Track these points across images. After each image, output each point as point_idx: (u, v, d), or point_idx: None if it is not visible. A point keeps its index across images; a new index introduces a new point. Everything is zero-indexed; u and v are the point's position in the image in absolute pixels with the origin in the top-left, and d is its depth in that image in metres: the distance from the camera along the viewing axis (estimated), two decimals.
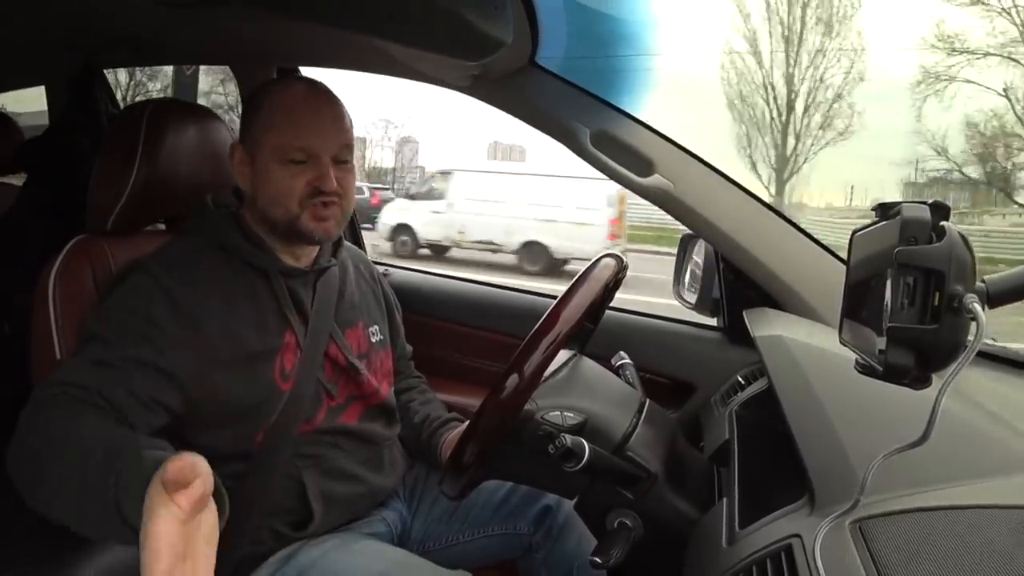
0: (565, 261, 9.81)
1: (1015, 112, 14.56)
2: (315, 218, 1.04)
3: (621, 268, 1.00)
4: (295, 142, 1.02)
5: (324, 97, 1.07)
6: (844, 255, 0.69)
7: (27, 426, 0.84)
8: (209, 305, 0.99)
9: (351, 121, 1.10)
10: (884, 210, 0.58)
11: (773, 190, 17.52)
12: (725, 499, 0.87)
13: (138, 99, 2.11)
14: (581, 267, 0.96)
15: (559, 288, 0.94)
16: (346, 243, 1.25)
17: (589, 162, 1.34)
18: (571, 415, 0.92)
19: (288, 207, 1.03)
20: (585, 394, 0.97)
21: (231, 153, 1.08)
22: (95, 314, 0.98)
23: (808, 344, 0.99)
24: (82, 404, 0.86)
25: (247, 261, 1.05)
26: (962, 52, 14.89)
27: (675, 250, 1.60)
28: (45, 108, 2.12)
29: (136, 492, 0.69)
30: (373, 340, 1.21)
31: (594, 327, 1.11)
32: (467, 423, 0.85)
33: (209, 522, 0.67)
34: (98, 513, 0.74)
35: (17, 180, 2.34)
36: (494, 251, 10.35)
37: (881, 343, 0.54)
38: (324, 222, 1.05)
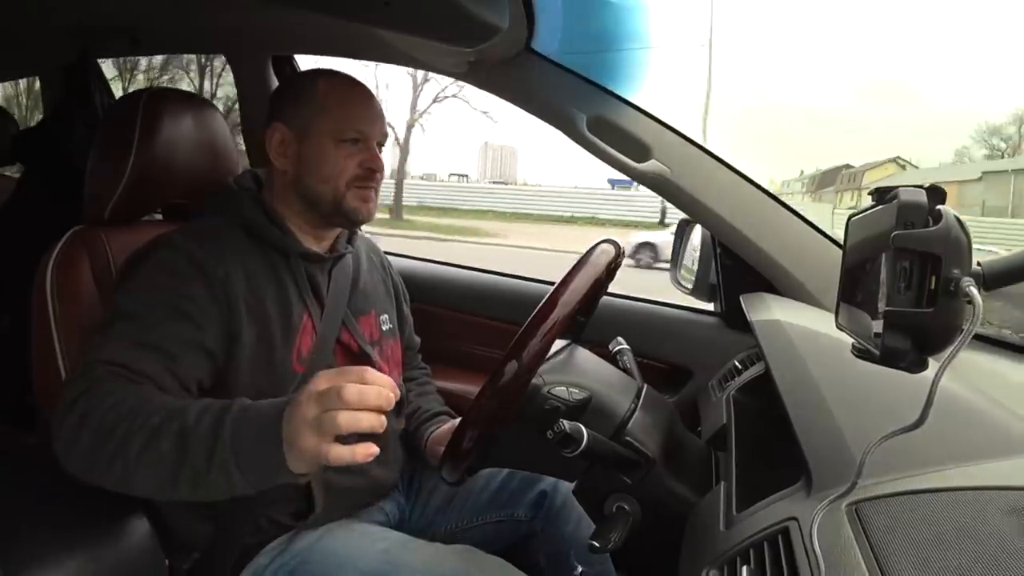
0: None
1: None
2: (360, 199, 1.09)
3: (618, 254, 1.00)
4: (353, 124, 1.07)
5: (367, 88, 1.12)
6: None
7: (84, 404, 0.81)
8: (236, 280, 0.99)
9: None
10: (881, 194, 0.58)
11: None
12: (723, 483, 0.87)
13: None
14: None
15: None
16: (359, 232, 1.26)
17: (585, 148, 1.34)
18: (576, 391, 0.92)
19: (337, 185, 1.07)
20: (586, 375, 0.98)
21: (270, 135, 1.09)
22: (123, 291, 0.96)
23: (805, 328, 0.99)
24: (130, 382, 0.85)
25: (268, 242, 1.06)
26: None
27: None
28: None
29: (252, 436, 0.76)
30: (384, 329, 1.22)
31: (586, 320, 1.11)
32: (470, 406, 0.85)
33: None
34: (198, 471, 0.76)
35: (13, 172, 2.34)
36: None
37: (877, 327, 0.54)
38: (367, 203, 1.10)
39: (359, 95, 1.10)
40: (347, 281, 1.16)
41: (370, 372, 0.73)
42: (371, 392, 0.71)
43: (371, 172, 1.08)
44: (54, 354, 1.03)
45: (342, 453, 0.71)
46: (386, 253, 1.40)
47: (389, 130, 1.18)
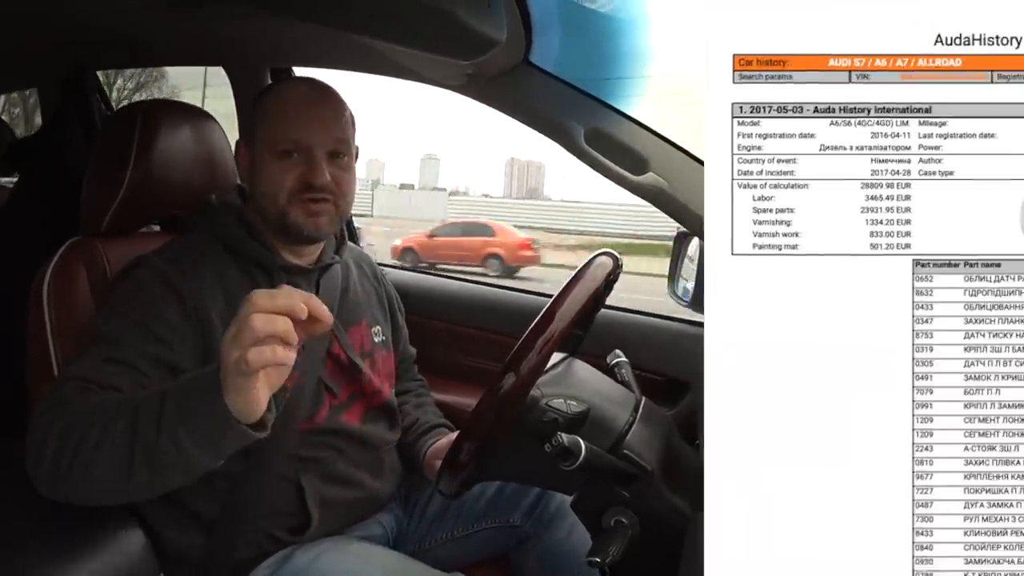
0: None
1: None
2: (305, 212, 1.04)
3: (617, 266, 1.00)
4: (286, 134, 1.02)
5: (320, 93, 1.07)
6: None
7: (49, 416, 0.81)
8: (213, 300, 0.98)
9: (352, 118, 1.10)
10: None
11: None
12: None
13: None
14: None
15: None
16: (349, 243, 1.25)
17: (583, 160, 1.33)
18: (574, 403, 0.92)
19: (277, 201, 1.03)
20: (583, 387, 0.98)
21: (236, 151, 1.09)
22: (101, 312, 0.97)
23: None
24: (97, 395, 0.85)
25: (248, 256, 1.05)
26: None
27: None
28: None
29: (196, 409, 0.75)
30: (376, 340, 1.21)
31: (583, 334, 1.10)
32: (467, 419, 0.85)
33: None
34: (156, 456, 0.76)
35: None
36: None
37: None
38: (315, 217, 1.04)
39: (302, 102, 1.05)
40: (336, 290, 1.15)
41: (281, 287, 0.73)
42: (280, 296, 0.70)
43: (311, 187, 1.03)
44: (50, 365, 1.03)
45: (262, 351, 0.68)
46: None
47: None
